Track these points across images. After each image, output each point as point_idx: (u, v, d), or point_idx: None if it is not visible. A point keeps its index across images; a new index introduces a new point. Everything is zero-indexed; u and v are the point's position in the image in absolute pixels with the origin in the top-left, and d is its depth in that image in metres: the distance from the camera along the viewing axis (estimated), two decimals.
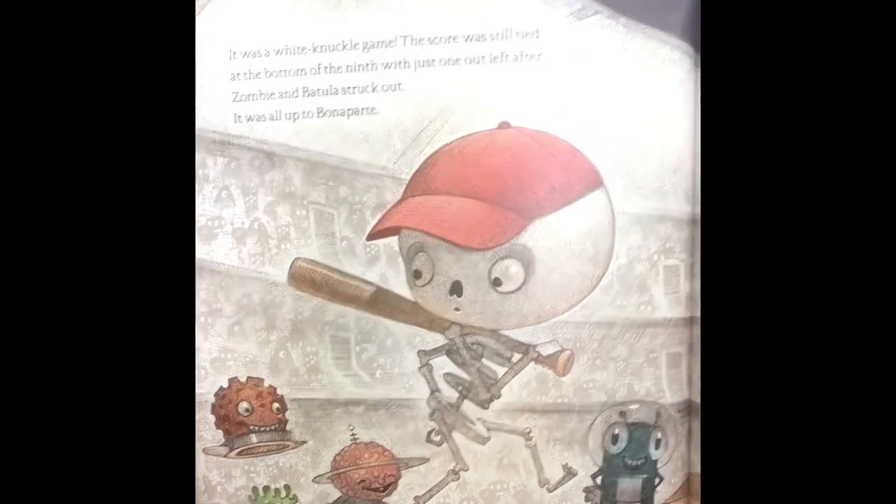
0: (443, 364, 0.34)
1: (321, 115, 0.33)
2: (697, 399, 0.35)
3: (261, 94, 0.33)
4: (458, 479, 0.35)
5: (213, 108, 0.33)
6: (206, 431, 0.35)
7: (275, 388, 0.35)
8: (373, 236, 0.33)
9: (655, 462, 0.35)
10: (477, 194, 0.32)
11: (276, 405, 0.35)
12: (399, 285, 0.34)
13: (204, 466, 0.36)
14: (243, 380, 0.35)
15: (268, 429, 0.35)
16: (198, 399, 0.35)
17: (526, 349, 0.34)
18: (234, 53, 0.32)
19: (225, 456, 0.36)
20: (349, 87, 0.32)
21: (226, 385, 0.35)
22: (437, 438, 0.35)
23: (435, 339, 0.34)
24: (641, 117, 0.32)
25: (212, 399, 0.35)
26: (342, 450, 0.35)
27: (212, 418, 0.35)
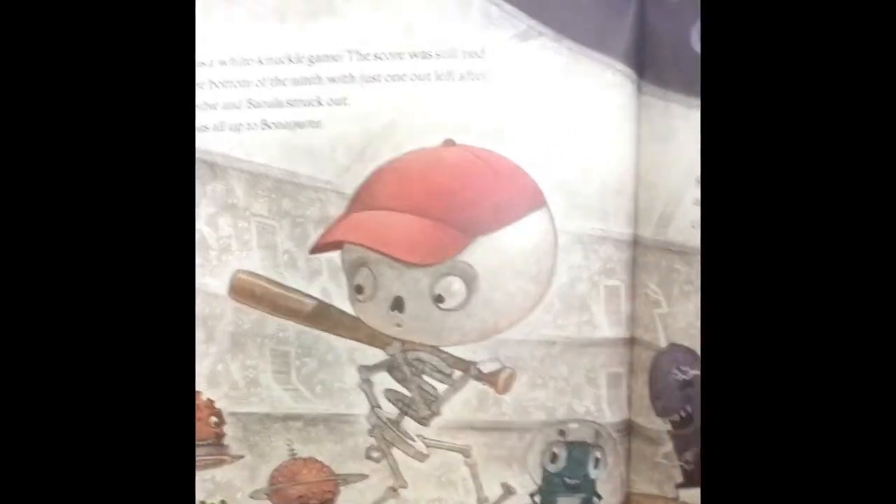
0: (383, 380, 0.34)
1: (265, 127, 0.32)
2: (637, 419, 0.35)
3: (204, 105, 0.32)
4: (397, 496, 0.35)
5: None
6: None
7: (213, 402, 0.34)
8: (315, 250, 0.33)
9: (594, 481, 0.35)
10: (420, 211, 0.32)
11: (213, 419, 0.34)
12: (341, 300, 0.33)
13: None
14: None
15: (204, 443, 0.35)
16: None
17: (467, 366, 0.34)
18: None
19: None
20: (294, 100, 0.32)
21: None
22: (376, 455, 0.35)
23: (376, 355, 0.34)
24: (584, 139, 0.33)
25: None
26: (280, 465, 0.35)
27: None
